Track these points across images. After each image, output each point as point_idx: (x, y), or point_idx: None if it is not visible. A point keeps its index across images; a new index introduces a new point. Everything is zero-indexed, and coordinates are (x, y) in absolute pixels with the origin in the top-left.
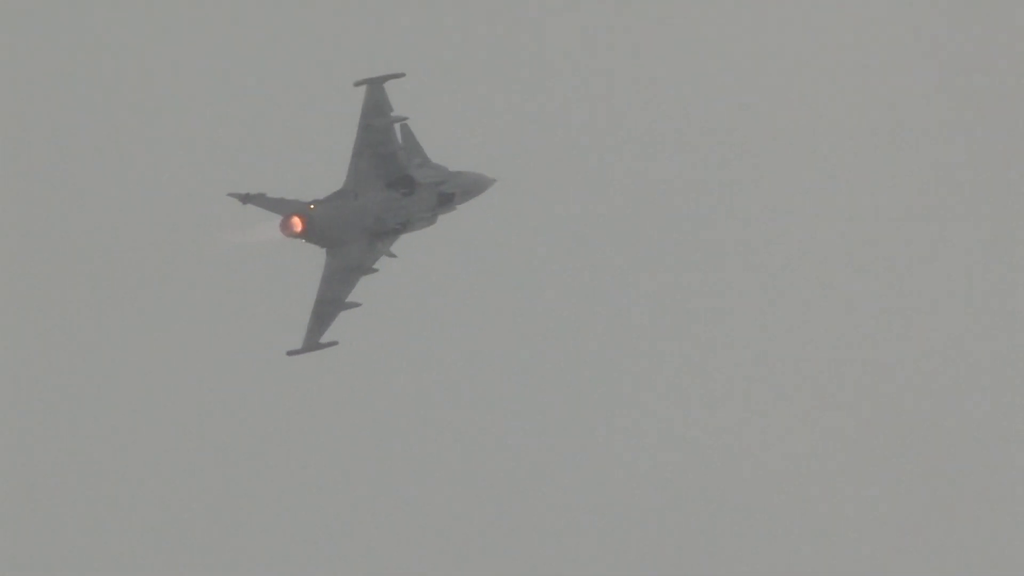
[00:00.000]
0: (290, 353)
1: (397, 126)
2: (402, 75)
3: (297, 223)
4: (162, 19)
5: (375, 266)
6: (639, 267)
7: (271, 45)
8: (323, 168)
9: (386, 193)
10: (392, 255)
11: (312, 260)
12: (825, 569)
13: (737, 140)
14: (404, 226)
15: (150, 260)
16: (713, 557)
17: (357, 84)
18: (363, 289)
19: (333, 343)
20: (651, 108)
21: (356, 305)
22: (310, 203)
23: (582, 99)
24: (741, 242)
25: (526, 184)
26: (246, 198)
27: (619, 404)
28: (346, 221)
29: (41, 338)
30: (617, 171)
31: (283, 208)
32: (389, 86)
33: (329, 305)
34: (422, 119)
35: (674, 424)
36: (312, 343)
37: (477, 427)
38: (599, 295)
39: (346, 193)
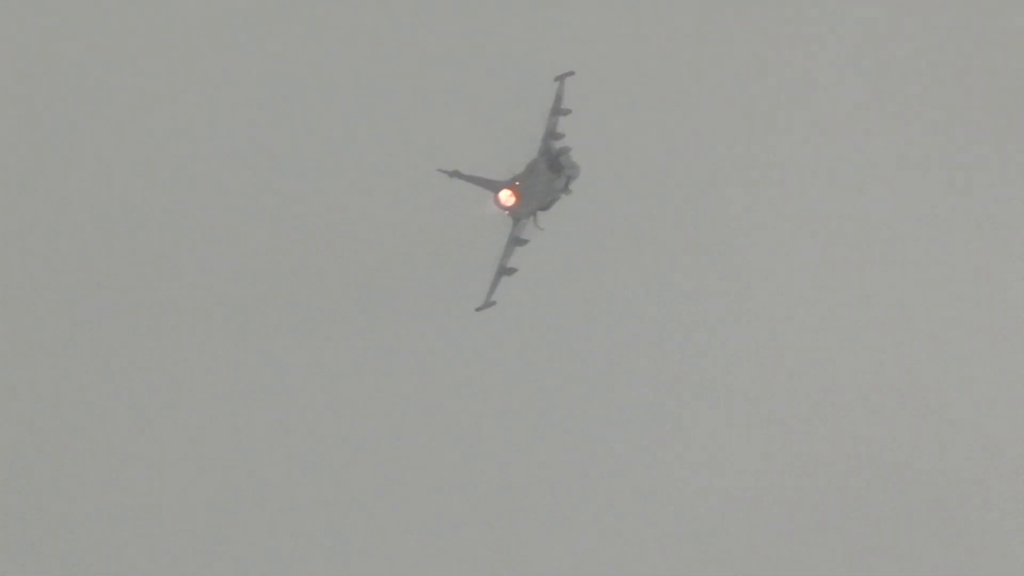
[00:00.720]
0: (478, 309)
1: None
2: (573, 73)
3: (511, 197)
4: (396, 22)
5: (526, 237)
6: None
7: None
8: (490, 150)
9: (548, 175)
10: (541, 228)
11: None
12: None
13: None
14: (548, 204)
15: (372, 231)
16: None
17: (557, 79)
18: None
19: (494, 303)
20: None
21: (515, 270)
22: (514, 180)
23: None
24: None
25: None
26: (454, 173)
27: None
28: (532, 197)
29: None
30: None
31: (484, 184)
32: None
33: (504, 270)
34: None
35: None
36: (488, 302)
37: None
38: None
39: (532, 171)
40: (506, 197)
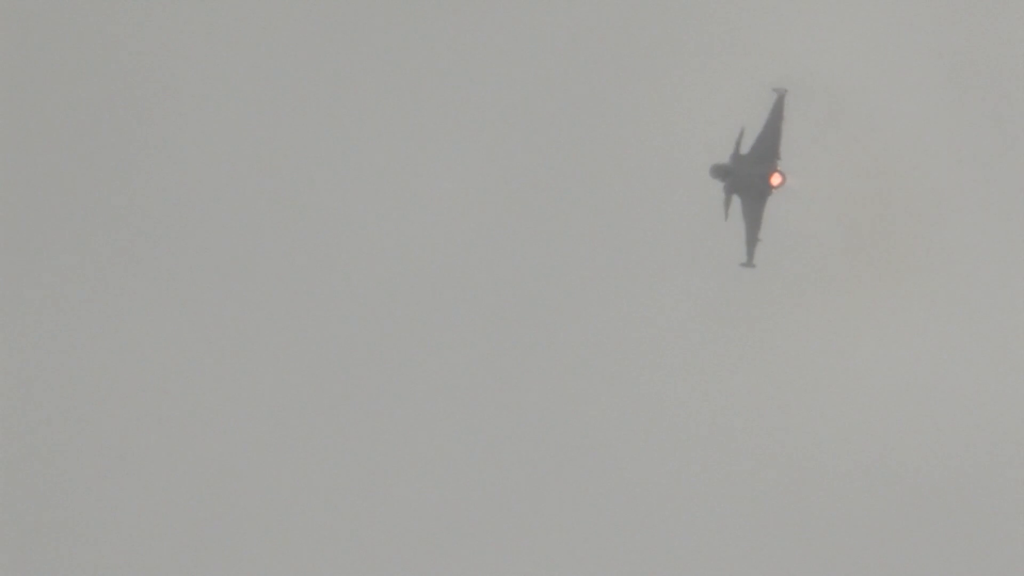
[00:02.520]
0: (743, 265)
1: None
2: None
3: (781, 178)
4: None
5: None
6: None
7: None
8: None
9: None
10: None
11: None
12: None
13: None
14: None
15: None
16: None
17: (776, 91)
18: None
19: (753, 265)
20: None
21: (759, 239)
22: (776, 164)
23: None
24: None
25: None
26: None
27: None
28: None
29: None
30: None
31: (757, 169)
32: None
33: (756, 241)
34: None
35: None
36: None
37: None
38: None
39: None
40: (776, 179)
